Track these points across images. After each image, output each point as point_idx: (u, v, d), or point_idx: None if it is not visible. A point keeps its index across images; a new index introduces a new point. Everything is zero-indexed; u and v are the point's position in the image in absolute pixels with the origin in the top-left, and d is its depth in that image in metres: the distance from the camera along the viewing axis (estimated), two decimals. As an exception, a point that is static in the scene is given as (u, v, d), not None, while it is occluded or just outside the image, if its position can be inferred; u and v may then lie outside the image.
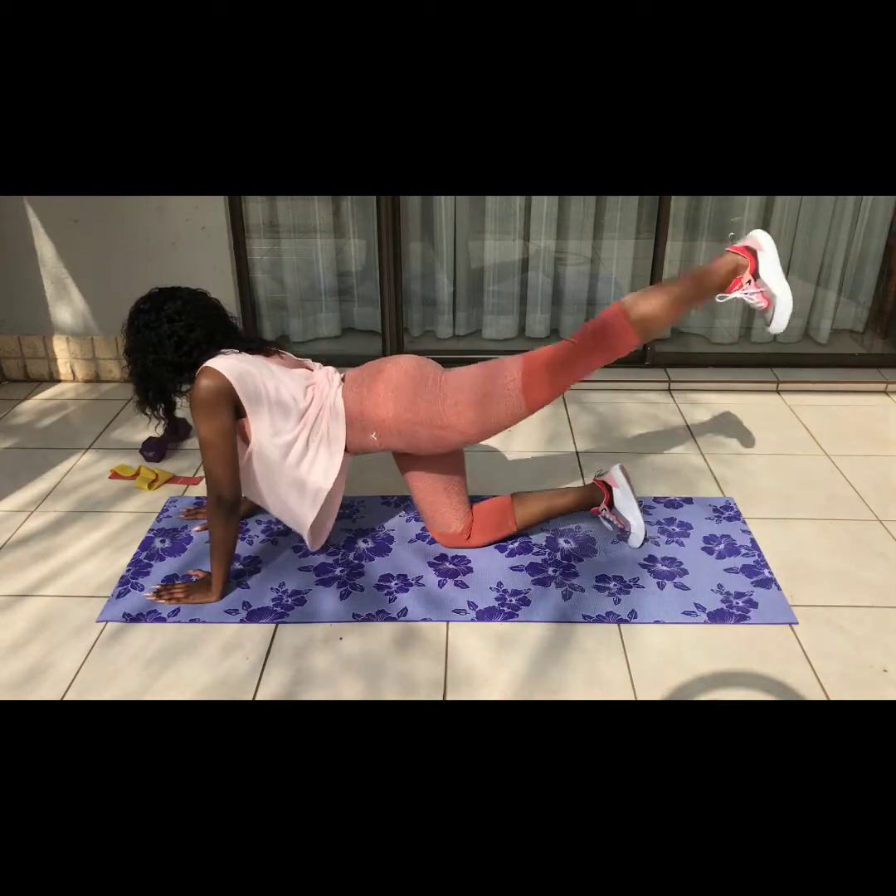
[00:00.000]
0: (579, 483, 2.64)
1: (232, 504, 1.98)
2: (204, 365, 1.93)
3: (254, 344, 2.08)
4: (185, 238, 3.17)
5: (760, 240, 2.05)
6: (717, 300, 2.05)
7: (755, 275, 2.02)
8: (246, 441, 2.00)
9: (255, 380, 1.96)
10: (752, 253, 2.03)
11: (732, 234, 2.14)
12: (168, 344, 1.97)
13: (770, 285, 2.01)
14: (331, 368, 2.15)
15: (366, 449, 2.10)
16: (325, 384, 2.08)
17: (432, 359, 2.15)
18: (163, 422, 2.15)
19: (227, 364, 1.93)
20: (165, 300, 2.00)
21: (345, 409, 2.05)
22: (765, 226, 3.44)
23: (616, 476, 2.33)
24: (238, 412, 1.96)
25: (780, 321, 2.04)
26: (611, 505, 2.30)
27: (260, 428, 1.97)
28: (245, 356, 2.00)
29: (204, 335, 2.00)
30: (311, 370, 2.14)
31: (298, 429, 2.00)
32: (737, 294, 2.03)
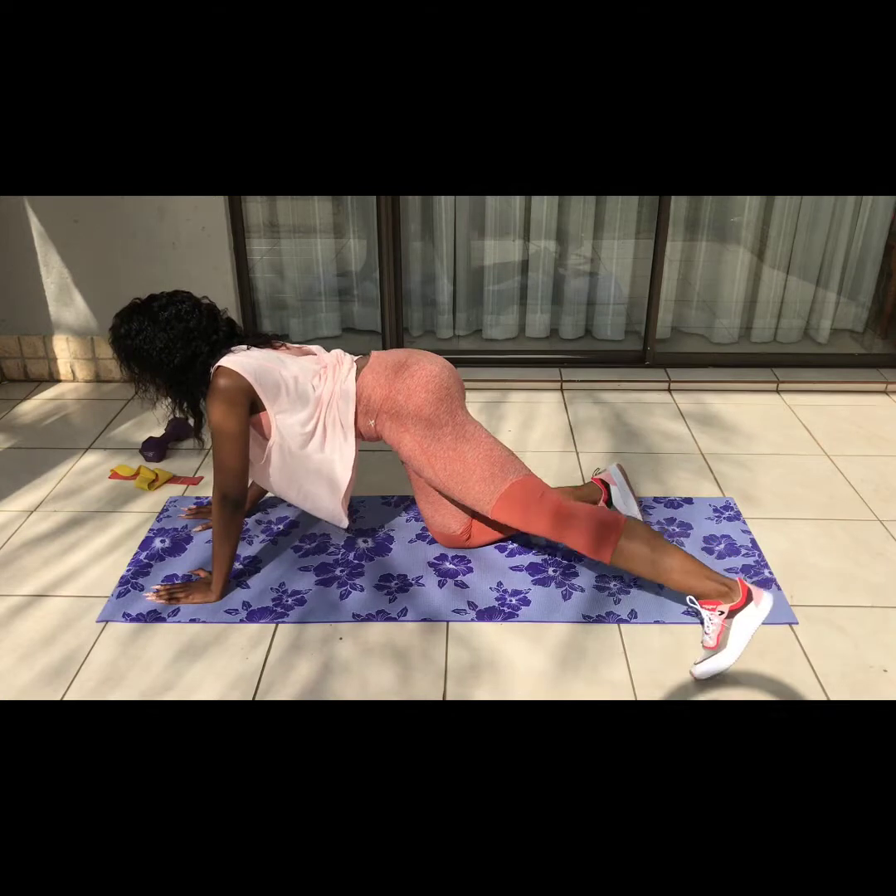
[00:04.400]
0: (580, 483, 2.64)
1: (236, 502, 1.98)
2: (218, 364, 1.94)
3: (258, 339, 2.09)
4: (185, 238, 3.17)
5: (765, 599, 1.92)
6: (688, 601, 1.99)
7: (732, 614, 1.89)
8: (264, 437, 2.00)
9: (272, 373, 1.96)
10: (748, 598, 1.92)
11: (742, 575, 2.08)
12: (208, 325, 1.97)
13: (732, 635, 1.88)
14: (339, 351, 2.15)
15: (368, 433, 2.10)
16: (335, 365, 2.08)
17: (445, 360, 2.14)
18: (180, 417, 2.13)
19: (241, 361, 1.93)
20: (174, 296, 2.00)
21: (362, 394, 2.05)
22: (765, 226, 3.45)
23: (614, 474, 2.33)
24: (253, 409, 1.97)
25: (705, 668, 1.87)
26: (609, 503, 2.30)
27: (282, 419, 1.98)
28: (255, 351, 2.00)
29: (226, 325, 2.04)
30: (316, 355, 2.15)
31: (317, 414, 2.02)
32: (703, 611, 1.91)
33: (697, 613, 1.99)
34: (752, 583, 2.04)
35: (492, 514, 2.01)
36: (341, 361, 2.10)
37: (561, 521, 1.95)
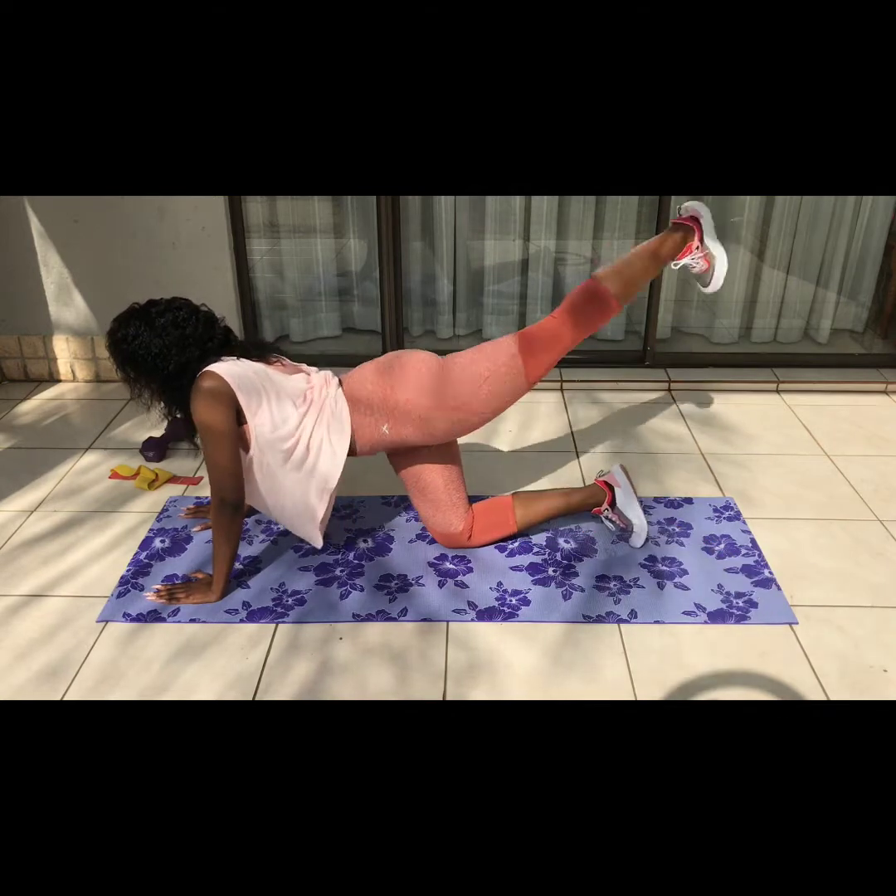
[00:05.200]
0: (580, 483, 2.64)
1: (235, 505, 1.98)
2: (204, 370, 1.94)
3: (251, 351, 2.08)
4: (185, 238, 3.17)
5: (699, 208, 2.30)
6: (672, 267, 2.32)
7: (701, 240, 2.27)
8: (246, 449, 2.00)
9: (254, 383, 1.96)
10: (696, 222, 2.28)
11: (679, 207, 2.40)
12: (204, 332, 1.98)
13: (710, 248, 2.29)
14: (328, 372, 2.16)
15: (375, 445, 2.11)
16: (322, 387, 2.08)
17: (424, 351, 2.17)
18: (178, 418, 2.13)
19: (226, 368, 1.94)
20: (172, 302, 2.00)
21: (361, 402, 2.06)
22: (765, 226, 3.45)
23: (617, 476, 2.33)
24: (238, 419, 1.96)
25: (717, 279, 2.29)
26: (612, 505, 2.30)
27: (261, 433, 1.97)
28: (243, 362, 2.00)
29: (222, 333, 2.04)
30: (308, 375, 2.14)
31: (299, 433, 2.00)
32: (686, 260, 2.29)
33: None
34: (688, 217, 2.30)
35: (528, 377, 2.09)
36: (328, 383, 2.10)
37: (572, 326, 2.13)
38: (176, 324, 1.96)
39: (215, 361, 1.97)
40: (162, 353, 1.94)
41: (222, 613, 2.06)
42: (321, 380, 2.11)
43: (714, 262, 2.28)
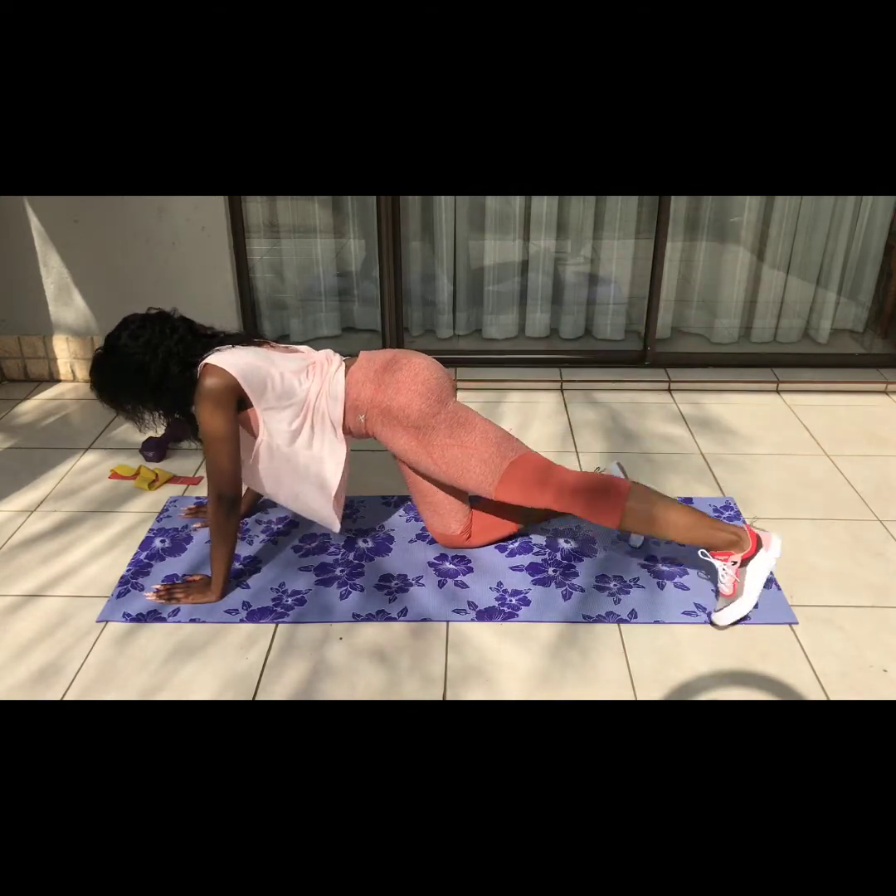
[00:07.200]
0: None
1: (232, 500, 1.98)
2: (205, 362, 1.93)
3: (239, 338, 2.08)
4: (185, 238, 3.17)
5: (774, 542, 2.00)
6: (699, 555, 2.02)
7: (744, 562, 1.96)
8: (253, 435, 2.01)
9: (260, 370, 1.96)
10: (758, 545, 1.99)
11: (755, 518, 2.19)
12: (163, 328, 1.98)
13: (747, 582, 1.96)
14: (328, 351, 2.16)
15: (355, 430, 2.11)
16: (324, 364, 2.09)
17: (434, 359, 2.16)
18: (179, 419, 2.12)
19: (229, 359, 1.93)
20: (122, 323, 2.00)
21: (351, 392, 2.05)
22: (765, 226, 3.45)
23: (615, 472, 2.33)
24: (240, 406, 1.97)
25: (726, 616, 1.96)
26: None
27: (269, 416, 1.98)
28: (241, 349, 2.00)
29: (181, 321, 2.04)
30: (303, 352, 2.14)
31: (304, 412, 2.02)
32: (716, 562, 1.99)
33: (710, 564, 2.05)
34: (756, 533, 2.01)
35: (495, 496, 2.03)
36: (331, 360, 2.11)
37: (564, 494, 1.99)
38: (134, 335, 1.96)
39: (212, 353, 1.96)
40: (139, 368, 1.95)
41: (222, 613, 2.06)
42: (322, 357, 2.11)
43: (740, 595, 1.96)
